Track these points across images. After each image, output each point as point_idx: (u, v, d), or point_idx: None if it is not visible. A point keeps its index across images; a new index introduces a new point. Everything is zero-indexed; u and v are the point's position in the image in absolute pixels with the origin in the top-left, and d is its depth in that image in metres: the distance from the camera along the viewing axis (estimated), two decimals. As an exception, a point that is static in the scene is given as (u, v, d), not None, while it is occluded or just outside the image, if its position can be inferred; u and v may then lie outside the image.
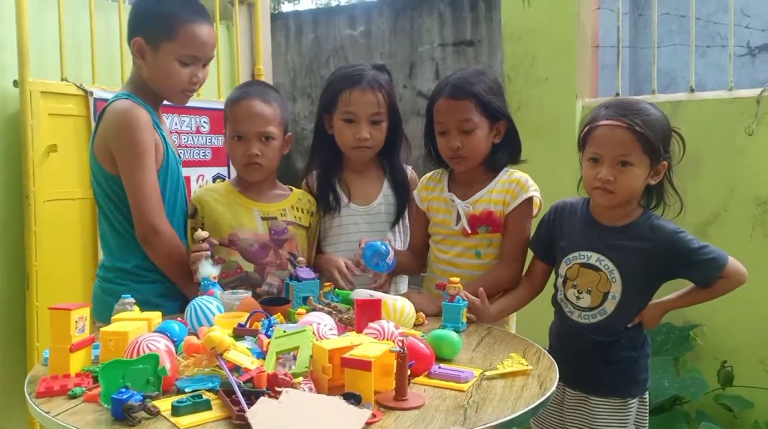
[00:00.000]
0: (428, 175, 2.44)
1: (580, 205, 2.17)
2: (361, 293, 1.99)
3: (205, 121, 3.65)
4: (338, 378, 1.42)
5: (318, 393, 1.40)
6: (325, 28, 7.40)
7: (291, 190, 2.46)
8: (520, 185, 2.25)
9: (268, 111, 2.31)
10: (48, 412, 1.36)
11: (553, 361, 1.71)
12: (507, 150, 2.31)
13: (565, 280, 2.12)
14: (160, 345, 1.50)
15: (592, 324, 2.07)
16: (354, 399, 1.33)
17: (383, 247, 2.18)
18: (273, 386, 1.37)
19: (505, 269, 2.26)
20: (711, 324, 3.24)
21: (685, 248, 2.01)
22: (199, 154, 3.65)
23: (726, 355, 3.19)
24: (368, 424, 1.28)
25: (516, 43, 3.70)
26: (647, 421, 2.15)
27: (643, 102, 2.06)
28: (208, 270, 2.02)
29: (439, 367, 1.58)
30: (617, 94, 3.60)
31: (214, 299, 1.89)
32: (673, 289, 2.12)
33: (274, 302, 1.99)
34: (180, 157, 2.34)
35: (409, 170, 2.57)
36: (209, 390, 1.42)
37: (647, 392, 2.15)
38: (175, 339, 1.61)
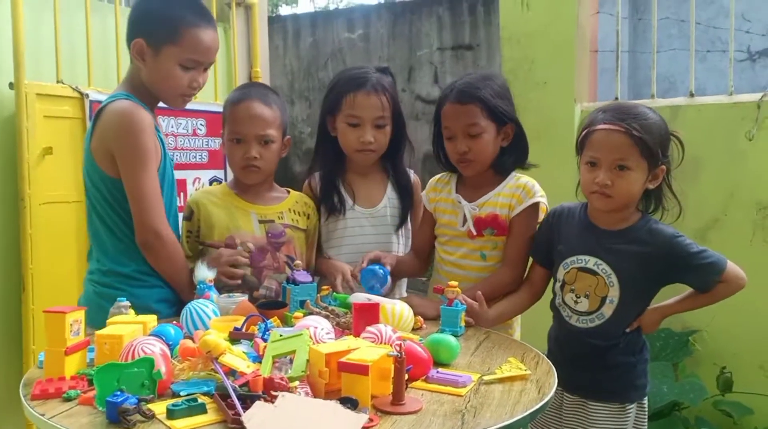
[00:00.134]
0: (437, 176, 2.45)
1: (578, 209, 2.16)
2: (359, 297, 1.97)
3: (201, 124, 3.64)
4: (335, 382, 1.41)
5: (314, 397, 1.38)
6: (324, 32, 7.41)
7: (288, 192, 2.45)
8: (526, 190, 2.25)
9: (269, 114, 2.29)
10: (43, 415, 1.36)
11: (552, 365, 1.70)
12: (515, 153, 2.31)
13: (563, 284, 2.11)
14: (155, 348, 1.48)
15: (590, 328, 2.06)
16: (351, 403, 1.32)
17: (381, 270, 2.21)
18: (269, 390, 1.35)
19: (509, 272, 2.26)
20: (710, 329, 3.23)
21: (684, 252, 2.00)
22: (195, 156, 3.64)
23: (725, 360, 3.18)
24: (365, 428, 1.27)
25: (514, 47, 3.69)
26: (646, 427, 2.14)
27: (641, 106, 2.06)
28: (204, 273, 2.01)
29: (437, 372, 1.57)
30: (616, 99, 3.59)
31: (210, 303, 1.88)
32: (672, 295, 2.11)
33: (271, 306, 1.97)
34: (173, 160, 2.32)
35: (412, 174, 2.56)
36: (204, 394, 1.41)
37: (646, 398, 2.13)
38: (170, 342, 1.60)
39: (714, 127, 3.23)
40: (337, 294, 2.13)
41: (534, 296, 2.25)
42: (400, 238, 2.51)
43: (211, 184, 3.65)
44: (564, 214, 2.18)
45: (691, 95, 3.39)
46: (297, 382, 1.41)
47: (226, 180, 3.59)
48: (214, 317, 1.81)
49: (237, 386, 1.37)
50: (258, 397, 1.33)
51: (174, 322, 1.78)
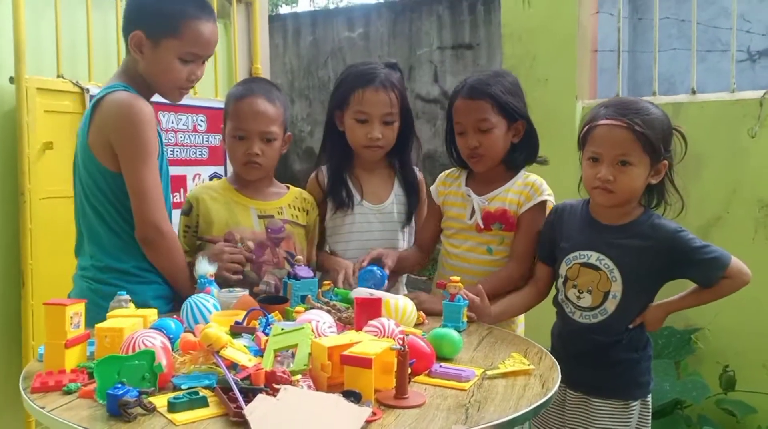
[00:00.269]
0: (447, 171, 2.46)
1: (580, 205, 2.16)
2: (361, 291, 1.96)
3: (202, 120, 3.63)
4: (337, 376, 1.40)
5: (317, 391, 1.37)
6: (324, 30, 7.40)
7: (288, 188, 2.43)
8: (534, 188, 2.27)
9: (272, 111, 2.27)
10: (43, 408, 1.35)
11: (555, 361, 1.69)
12: (525, 150, 2.32)
13: (565, 280, 2.11)
14: (156, 341, 1.47)
15: (593, 324, 2.05)
16: (354, 397, 1.31)
17: (379, 272, 2.21)
18: (271, 383, 1.34)
19: (517, 267, 2.26)
20: (713, 327, 3.22)
21: (687, 247, 1.99)
22: (195, 152, 3.62)
23: (728, 359, 3.17)
24: (368, 422, 1.26)
25: (516, 43, 3.69)
26: (650, 425, 2.13)
27: (643, 101, 2.05)
28: (205, 267, 1.99)
29: (440, 366, 1.56)
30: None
31: (211, 297, 1.86)
32: (676, 293, 2.10)
33: (272, 301, 1.96)
34: (167, 155, 2.29)
35: (418, 171, 2.56)
36: (206, 387, 1.39)
37: (650, 395, 2.12)
38: (171, 336, 1.59)
39: (716, 125, 3.23)
40: (339, 289, 2.13)
41: (539, 295, 2.24)
42: (405, 235, 2.51)
43: (211, 180, 3.63)
44: (566, 211, 2.18)
45: (693, 92, 3.38)
46: (299, 376, 1.39)
47: (226, 176, 3.57)
48: (214, 311, 1.79)
49: (239, 379, 1.36)
50: (260, 391, 1.31)
51: (174, 316, 1.77)
